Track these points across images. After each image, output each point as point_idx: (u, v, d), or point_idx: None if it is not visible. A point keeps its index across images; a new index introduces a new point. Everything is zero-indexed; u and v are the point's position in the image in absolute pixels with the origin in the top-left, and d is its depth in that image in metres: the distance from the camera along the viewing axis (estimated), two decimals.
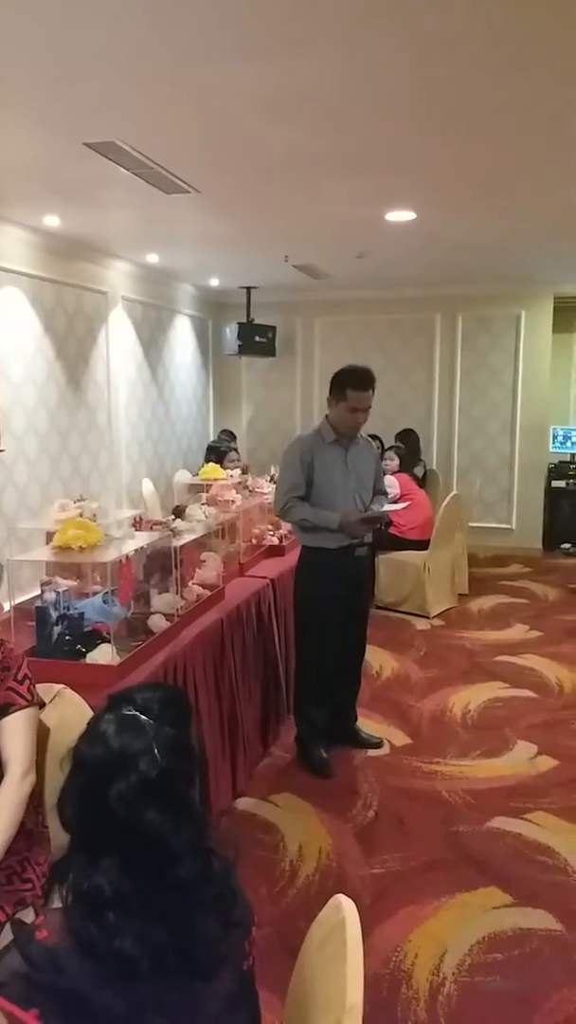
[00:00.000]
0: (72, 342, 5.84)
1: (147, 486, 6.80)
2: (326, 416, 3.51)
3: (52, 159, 3.64)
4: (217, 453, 6.48)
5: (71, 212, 4.77)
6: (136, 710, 1.13)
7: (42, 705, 1.91)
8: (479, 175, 3.99)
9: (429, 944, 2.42)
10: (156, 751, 1.09)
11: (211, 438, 8.25)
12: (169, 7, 2.26)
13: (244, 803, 3.23)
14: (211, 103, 2.99)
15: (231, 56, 2.58)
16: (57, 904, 1.10)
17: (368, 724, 3.93)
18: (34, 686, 1.86)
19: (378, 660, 4.93)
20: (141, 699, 1.16)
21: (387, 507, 3.91)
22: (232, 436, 8.02)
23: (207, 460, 6.32)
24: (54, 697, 1.98)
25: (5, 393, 5.02)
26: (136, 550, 2.76)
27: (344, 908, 1.16)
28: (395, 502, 6.15)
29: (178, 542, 3.14)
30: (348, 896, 2.66)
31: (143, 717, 1.12)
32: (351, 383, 3.37)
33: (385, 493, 3.85)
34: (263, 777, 3.47)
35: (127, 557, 2.58)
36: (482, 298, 7.91)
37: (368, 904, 2.60)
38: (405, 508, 6.16)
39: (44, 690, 1.95)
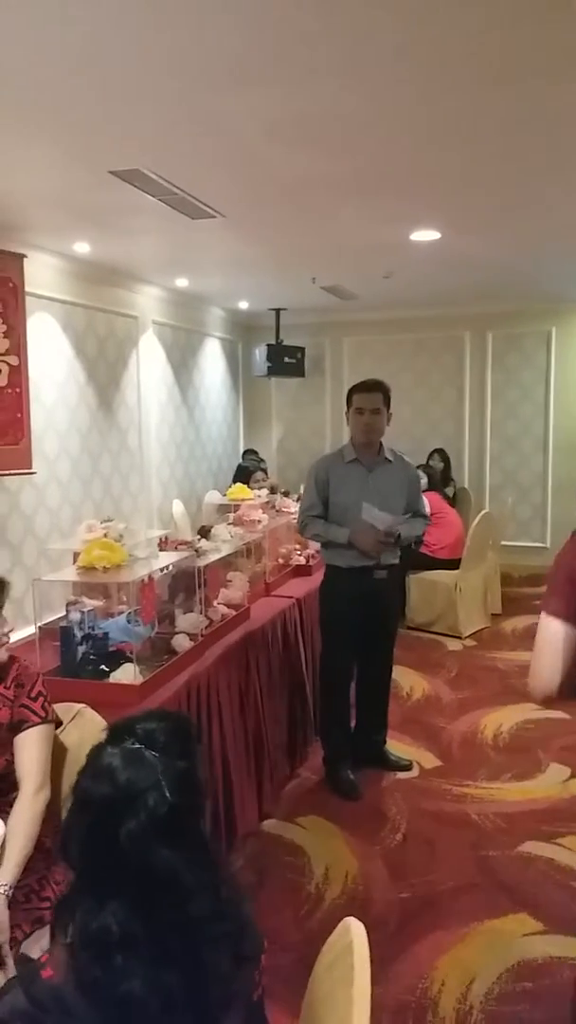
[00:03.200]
0: (103, 366, 5.94)
1: (177, 507, 6.85)
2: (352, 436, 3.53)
3: (79, 188, 3.73)
4: (244, 473, 6.52)
5: (100, 239, 4.87)
6: (139, 742, 1.10)
7: (59, 724, 1.92)
8: (502, 194, 3.99)
9: (456, 971, 2.36)
10: (164, 786, 1.06)
11: (242, 459, 8.33)
12: (187, 38, 2.32)
13: (270, 825, 3.21)
14: (231, 129, 3.05)
15: (249, 83, 2.63)
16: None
17: (398, 746, 3.88)
18: (49, 704, 1.88)
19: (409, 681, 4.88)
20: (144, 730, 1.12)
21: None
22: (258, 456, 8.10)
23: (235, 480, 6.38)
24: (74, 716, 1.99)
25: (37, 417, 5.11)
26: (160, 570, 2.78)
27: (352, 931, 1.14)
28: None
29: (203, 562, 3.15)
30: (374, 921, 2.64)
31: (148, 751, 1.09)
32: (356, 388, 3.49)
33: (425, 516, 3.72)
34: (290, 798, 3.44)
35: (149, 577, 2.60)
36: (511, 315, 7.88)
37: (394, 929, 2.55)
38: (436, 527, 6.12)
39: (64, 709, 1.96)
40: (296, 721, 3.72)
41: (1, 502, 4.89)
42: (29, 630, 2.78)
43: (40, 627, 2.93)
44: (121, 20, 2.21)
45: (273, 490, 5.88)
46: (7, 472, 4.85)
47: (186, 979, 1.01)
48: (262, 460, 7.90)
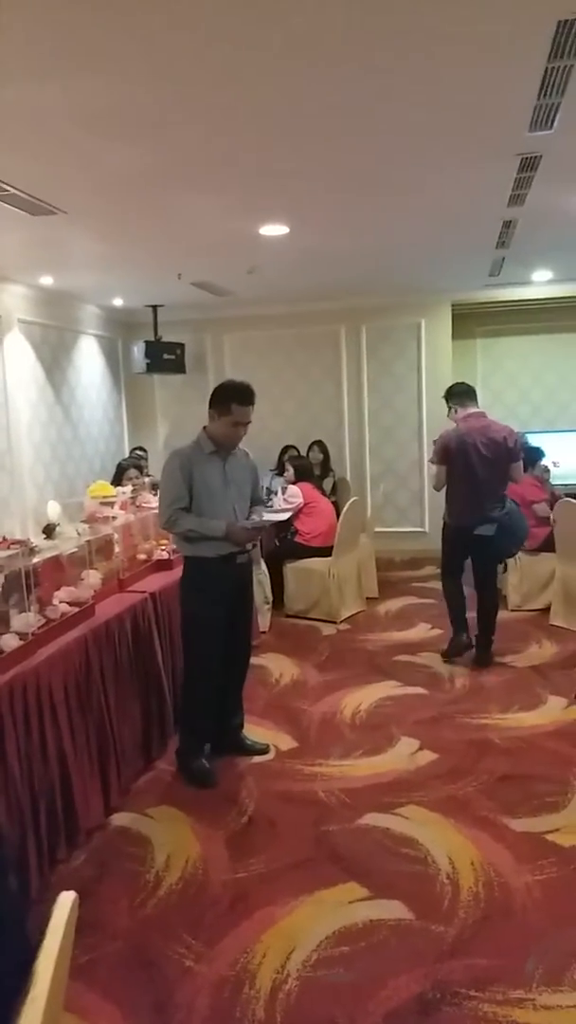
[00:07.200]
0: None
1: (52, 508, 6.72)
2: (204, 428, 3.54)
3: None
4: (118, 471, 6.49)
5: None
6: None
7: None
8: (340, 187, 4.09)
9: (279, 942, 2.44)
10: None
11: (126, 456, 8.24)
12: None
13: (120, 818, 3.22)
14: (45, 123, 3.03)
15: (44, 75, 2.62)
16: None
17: (258, 731, 3.96)
18: None
19: (279, 667, 4.97)
20: None
21: (267, 516, 3.99)
22: (143, 454, 8.03)
23: (115, 479, 6.33)
24: None
25: None
26: None
27: (57, 904, 1.18)
28: (299, 512, 6.26)
29: (38, 560, 3.14)
30: (208, 902, 2.71)
31: None
32: (237, 398, 3.42)
33: (263, 502, 3.94)
34: (144, 792, 3.46)
35: None
36: (383, 308, 8.09)
37: (226, 908, 2.62)
38: (309, 516, 6.25)
39: None
40: (151, 716, 3.73)
41: None
42: None
43: None
44: None
45: (155, 487, 5.87)
46: None
47: None
48: (143, 457, 7.84)
